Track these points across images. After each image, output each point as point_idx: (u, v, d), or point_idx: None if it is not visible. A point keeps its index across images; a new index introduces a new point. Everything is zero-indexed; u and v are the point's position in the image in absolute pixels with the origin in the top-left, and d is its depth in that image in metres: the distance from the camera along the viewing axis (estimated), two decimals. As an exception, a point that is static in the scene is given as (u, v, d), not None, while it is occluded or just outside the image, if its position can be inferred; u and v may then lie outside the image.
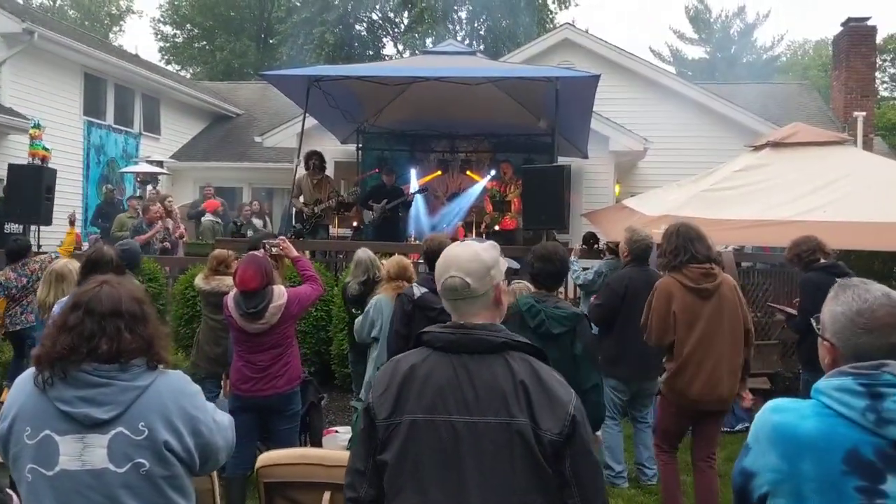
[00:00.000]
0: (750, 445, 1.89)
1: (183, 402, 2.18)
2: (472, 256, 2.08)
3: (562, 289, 6.43)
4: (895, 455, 1.72)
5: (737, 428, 7.32)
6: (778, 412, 1.87)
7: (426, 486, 1.94)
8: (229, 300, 4.73)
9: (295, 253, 5.25)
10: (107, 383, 2.07)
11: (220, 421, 2.32)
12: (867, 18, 17.18)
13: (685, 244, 4.51)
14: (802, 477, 1.76)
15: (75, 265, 5.54)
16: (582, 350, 3.81)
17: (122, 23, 42.71)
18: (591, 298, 6.53)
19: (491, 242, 2.21)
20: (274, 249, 5.25)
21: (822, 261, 5.63)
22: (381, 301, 5.53)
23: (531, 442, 1.91)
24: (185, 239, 11.20)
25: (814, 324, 1.98)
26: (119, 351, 2.09)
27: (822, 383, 1.86)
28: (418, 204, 11.51)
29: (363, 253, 6.41)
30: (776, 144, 8.18)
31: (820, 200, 7.11)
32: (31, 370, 2.16)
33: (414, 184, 11.72)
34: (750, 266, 10.55)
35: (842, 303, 1.89)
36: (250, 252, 4.99)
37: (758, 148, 8.58)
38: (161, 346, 2.20)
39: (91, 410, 2.04)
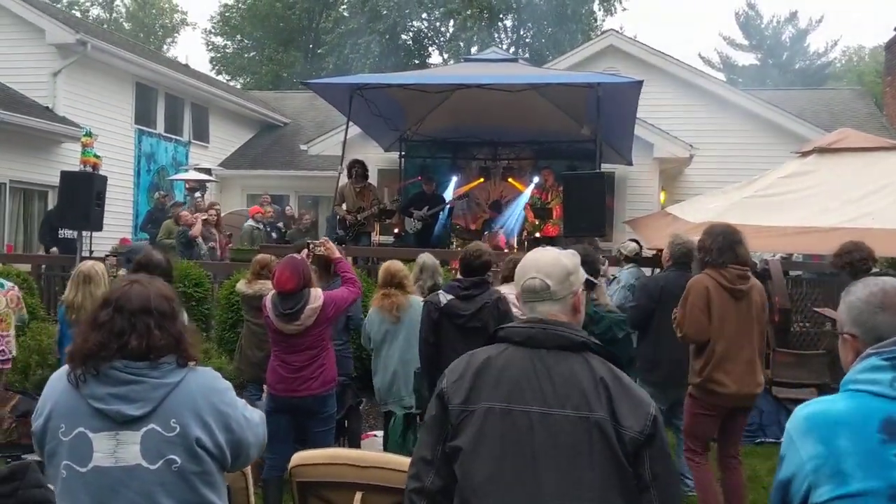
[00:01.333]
0: (784, 454, 1.88)
1: (213, 398, 2.21)
2: (553, 260, 2.15)
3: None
4: None
5: (782, 439, 7.18)
6: (807, 406, 1.90)
7: (501, 473, 1.94)
8: (267, 301, 4.81)
9: (337, 254, 5.30)
10: (138, 380, 2.11)
11: (250, 417, 2.34)
12: (923, 22, 16.75)
13: (731, 245, 4.54)
14: (842, 454, 1.75)
15: (101, 266, 5.68)
16: (630, 354, 3.92)
17: (175, 34, 43.76)
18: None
19: (571, 251, 2.28)
20: (318, 250, 5.32)
21: (875, 269, 5.50)
22: (371, 313, 5.65)
23: (611, 437, 1.92)
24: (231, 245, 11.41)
25: (833, 323, 2.05)
26: (149, 347, 2.13)
27: (848, 375, 1.88)
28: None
29: (429, 259, 6.36)
30: (823, 150, 8.01)
31: (868, 207, 6.94)
32: (64, 367, 2.21)
33: (449, 192, 11.78)
34: (798, 275, 10.35)
35: (854, 293, 1.98)
36: (289, 255, 5.07)
37: (804, 154, 8.41)
38: (190, 344, 2.23)
39: (123, 407, 2.08)
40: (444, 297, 4.71)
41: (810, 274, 10.30)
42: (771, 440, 7.17)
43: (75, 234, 9.51)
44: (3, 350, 6.08)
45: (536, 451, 1.94)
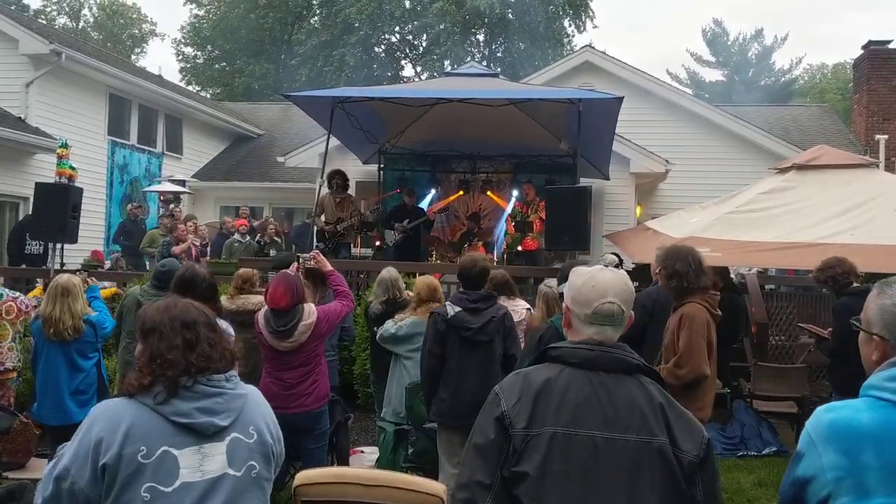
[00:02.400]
0: (802, 452, 1.85)
1: (268, 409, 2.35)
2: (623, 284, 2.15)
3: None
4: None
5: (764, 452, 7.26)
6: (831, 411, 1.86)
7: (569, 499, 1.93)
8: (260, 317, 4.75)
9: (329, 267, 5.25)
10: (220, 392, 2.17)
11: None
12: (889, 41, 17.16)
13: (689, 265, 4.43)
14: (865, 469, 1.74)
15: (77, 279, 5.56)
16: None
17: (144, 45, 43.34)
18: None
19: (623, 271, 2.29)
20: (309, 263, 5.26)
21: (856, 285, 5.58)
22: (415, 324, 5.56)
23: (671, 461, 1.93)
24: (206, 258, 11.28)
25: (856, 324, 2.01)
26: (223, 360, 2.21)
27: (873, 378, 1.86)
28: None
29: (386, 272, 6.42)
30: (802, 167, 8.15)
31: (847, 223, 7.06)
32: (117, 399, 2.19)
33: (425, 204, 11.82)
34: (774, 289, 10.51)
35: (890, 296, 1.93)
36: (282, 271, 5.01)
37: (783, 170, 8.55)
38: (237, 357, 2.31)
39: (213, 419, 2.12)
40: (451, 309, 4.68)
41: (786, 287, 10.47)
42: (753, 453, 7.25)
43: (41, 248, 9.31)
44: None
45: (601, 476, 1.93)
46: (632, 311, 2.17)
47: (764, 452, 7.26)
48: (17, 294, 6.34)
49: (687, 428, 1.99)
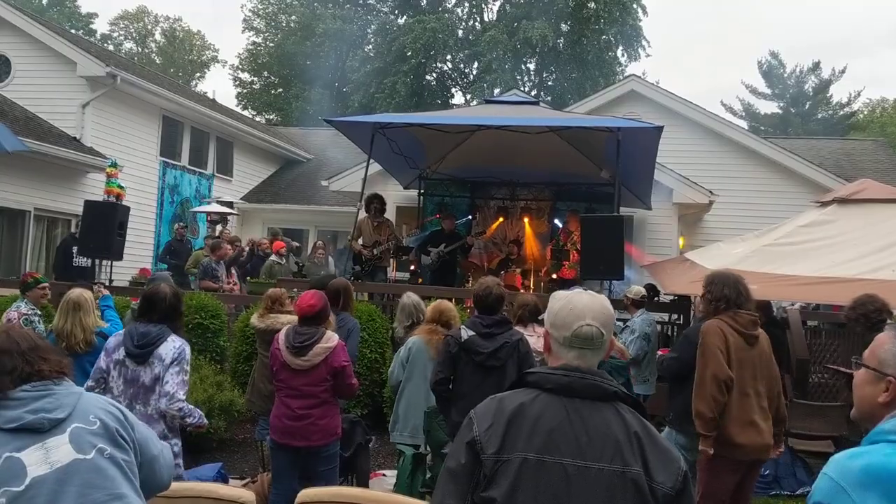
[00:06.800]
0: (826, 502, 1.76)
1: (108, 403, 2.37)
2: (602, 307, 2.13)
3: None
4: None
5: (798, 492, 7.05)
6: (857, 457, 1.78)
7: None
8: (281, 334, 4.82)
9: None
10: (48, 394, 2.23)
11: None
12: (947, 75, 16.72)
13: (738, 291, 4.50)
14: None
15: (89, 294, 5.72)
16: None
17: (205, 70, 44.58)
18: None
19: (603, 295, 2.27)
20: None
21: (889, 322, 5.42)
22: (415, 343, 5.61)
23: (645, 493, 1.90)
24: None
25: (858, 361, 1.96)
26: (51, 369, 2.27)
27: (889, 424, 1.80)
28: None
29: (407, 298, 6.45)
30: (843, 200, 7.95)
31: (888, 259, 6.85)
32: None
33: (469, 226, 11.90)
34: (817, 325, 10.24)
35: None
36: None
37: (824, 204, 8.35)
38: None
39: (45, 415, 2.18)
40: (465, 333, 4.69)
41: (829, 325, 10.19)
42: (786, 492, 7.04)
43: (89, 261, 9.54)
44: None
45: None
46: (612, 336, 2.16)
47: (798, 492, 7.03)
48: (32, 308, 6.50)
49: (663, 459, 1.95)
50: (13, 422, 2.18)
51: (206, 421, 4.31)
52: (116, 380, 4.14)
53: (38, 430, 2.18)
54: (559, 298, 2.17)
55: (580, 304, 2.12)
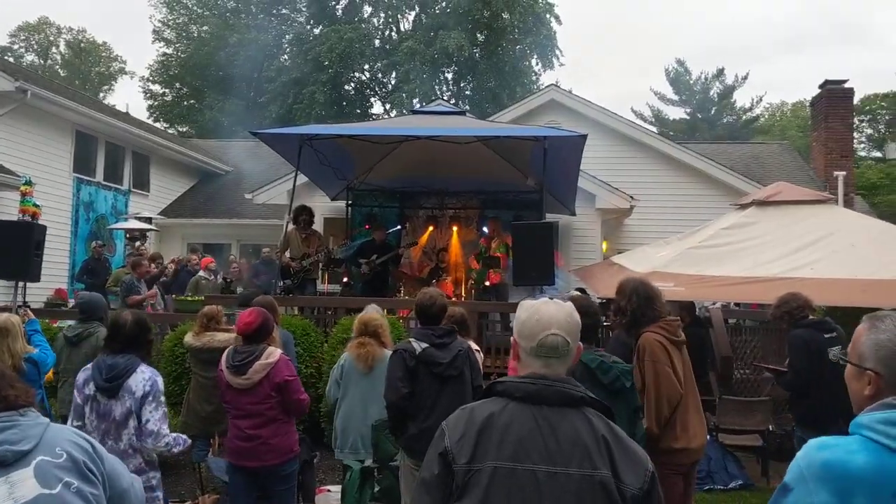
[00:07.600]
0: (791, 485, 1.84)
1: (75, 435, 2.30)
2: (568, 316, 2.16)
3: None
4: None
5: (730, 485, 7.30)
6: (824, 449, 1.83)
7: None
8: (224, 355, 4.71)
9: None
10: (12, 425, 2.16)
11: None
12: (844, 81, 17.64)
13: (649, 301, 4.38)
14: None
15: (17, 318, 5.47)
16: (637, 403, 3.89)
17: (112, 82, 43.20)
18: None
19: (570, 303, 2.28)
20: None
21: (811, 317, 5.68)
22: (346, 359, 5.63)
23: (614, 495, 1.94)
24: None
25: (844, 357, 1.98)
26: (16, 397, 2.21)
27: (866, 417, 1.84)
28: None
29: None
30: (762, 203, 8.30)
31: (807, 258, 7.19)
32: None
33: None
34: (738, 322, 10.63)
35: (884, 331, 1.90)
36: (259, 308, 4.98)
37: (743, 206, 8.71)
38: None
39: (9, 447, 2.11)
40: (418, 345, 4.63)
41: (750, 321, 10.60)
42: (719, 487, 7.28)
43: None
44: None
45: None
46: (580, 343, 2.20)
47: (730, 486, 7.29)
48: None
49: (631, 461, 2.00)
50: None
51: (189, 441, 4.22)
52: (90, 415, 3.99)
53: (2, 464, 2.08)
54: (526, 308, 2.21)
55: (546, 314, 2.16)
